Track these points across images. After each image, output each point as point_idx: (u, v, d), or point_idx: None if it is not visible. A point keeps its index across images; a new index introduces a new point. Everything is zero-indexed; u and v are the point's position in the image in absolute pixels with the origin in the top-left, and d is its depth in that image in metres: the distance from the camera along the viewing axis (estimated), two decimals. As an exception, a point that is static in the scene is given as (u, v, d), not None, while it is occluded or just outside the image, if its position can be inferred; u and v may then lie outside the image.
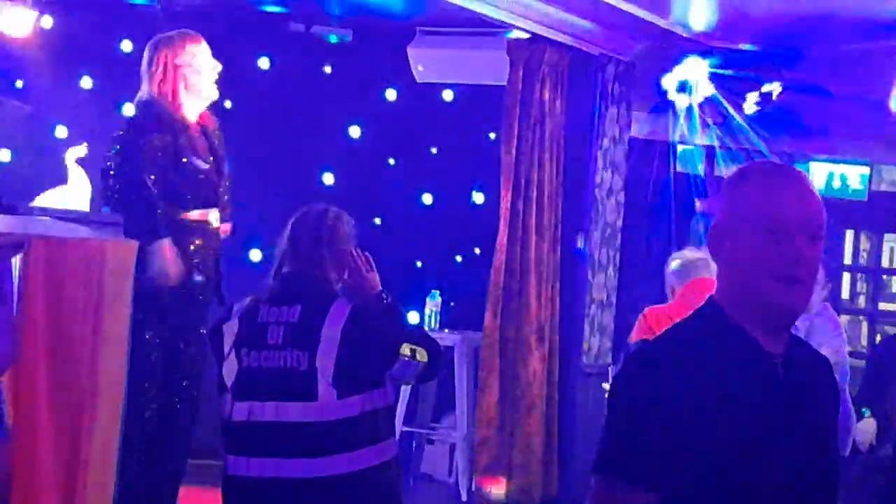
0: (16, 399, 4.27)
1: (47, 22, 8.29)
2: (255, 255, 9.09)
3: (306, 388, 4.63)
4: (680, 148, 9.20)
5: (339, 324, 4.64)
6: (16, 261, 4.23)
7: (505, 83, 8.48)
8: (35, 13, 8.19)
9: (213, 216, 6.31)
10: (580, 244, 8.61)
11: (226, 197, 6.46)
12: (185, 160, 6.11)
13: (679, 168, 9.06)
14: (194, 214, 6.19)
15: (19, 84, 8.44)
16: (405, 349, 4.71)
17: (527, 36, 8.39)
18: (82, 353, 4.46)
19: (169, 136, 6.09)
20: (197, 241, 6.14)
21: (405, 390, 8.46)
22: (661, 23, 8.42)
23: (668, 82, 8.79)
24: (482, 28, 8.43)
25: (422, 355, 4.74)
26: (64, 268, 4.34)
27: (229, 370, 4.76)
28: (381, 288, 4.92)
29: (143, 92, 6.20)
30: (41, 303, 4.28)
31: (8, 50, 8.14)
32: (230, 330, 4.79)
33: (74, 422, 4.48)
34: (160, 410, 6.01)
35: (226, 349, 4.78)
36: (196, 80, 6.24)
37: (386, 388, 4.81)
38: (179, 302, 6.01)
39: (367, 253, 4.96)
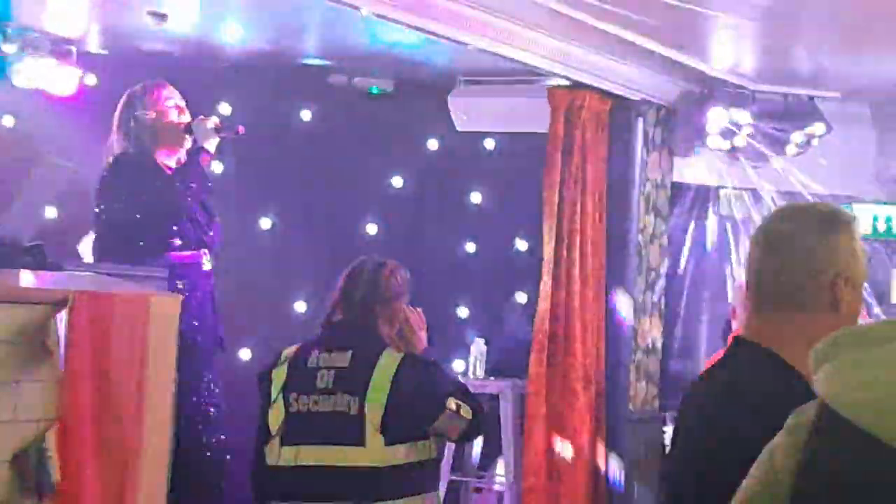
0: (62, 454, 4.28)
1: (91, 80, 8.36)
2: (300, 306, 9.11)
3: (355, 433, 4.66)
4: (722, 192, 9.18)
5: (390, 371, 4.68)
6: (61, 317, 4.25)
7: (546, 130, 8.49)
8: (79, 72, 8.27)
9: (205, 257, 6.36)
10: (620, 306, 8.56)
11: (212, 235, 6.48)
12: (169, 206, 6.17)
13: (723, 212, 9.03)
14: (186, 255, 6.24)
15: (64, 143, 8.51)
16: (451, 403, 4.73)
17: (568, 83, 8.41)
18: (128, 406, 4.47)
19: (148, 184, 6.17)
20: (182, 285, 6.15)
21: (452, 440, 8.43)
22: (703, 67, 8.43)
23: (710, 126, 8.78)
24: (523, 77, 8.45)
25: (466, 412, 4.75)
26: (108, 322, 4.36)
27: (276, 415, 4.78)
28: (427, 346, 4.96)
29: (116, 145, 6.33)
30: (86, 358, 4.30)
31: (52, 108, 8.22)
32: (278, 375, 4.82)
33: (121, 476, 4.49)
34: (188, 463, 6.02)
35: (273, 394, 4.81)
36: (160, 117, 6.32)
37: (432, 440, 4.81)
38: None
39: (419, 309, 4.99)
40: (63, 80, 8.17)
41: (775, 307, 2.77)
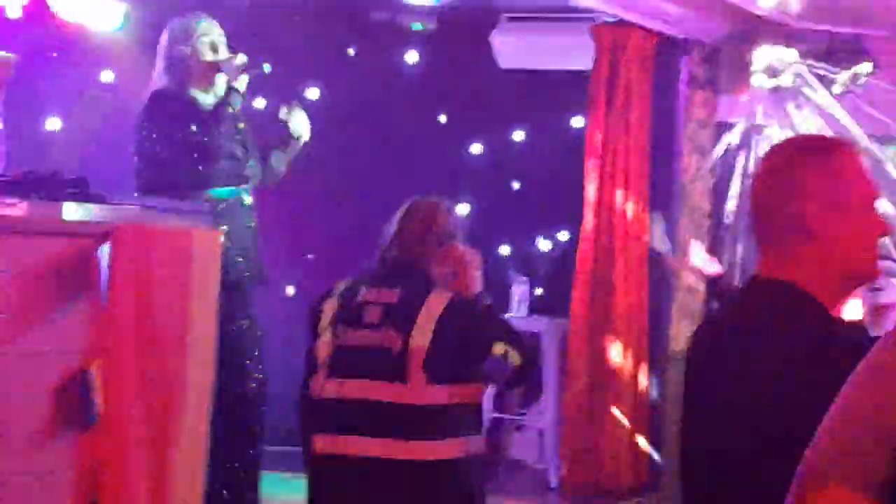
0: (106, 387, 4.31)
1: (133, 13, 8.35)
2: (344, 242, 9.10)
3: (397, 370, 4.67)
4: (767, 132, 9.09)
5: (437, 310, 4.68)
6: (104, 249, 4.27)
7: (590, 68, 8.44)
8: (123, 5, 8.26)
9: (245, 193, 6.37)
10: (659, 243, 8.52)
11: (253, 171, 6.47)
12: (207, 139, 6.17)
13: (765, 151, 8.96)
14: (224, 191, 6.24)
15: (109, 76, 8.53)
16: (498, 348, 4.72)
17: (612, 21, 8.34)
18: (171, 340, 4.49)
19: (186, 119, 6.17)
20: (224, 227, 6.16)
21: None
22: (749, 5, 8.33)
23: (755, 65, 8.69)
24: (567, 13, 8.39)
25: (514, 358, 4.73)
26: (151, 256, 4.37)
27: (323, 347, 4.81)
28: (481, 289, 4.95)
29: (157, 79, 6.33)
30: (129, 291, 4.32)
31: (96, 42, 8.22)
32: (329, 307, 4.85)
33: (164, 409, 4.52)
34: (230, 399, 6.04)
35: (322, 325, 4.84)
36: (193, 54, 6.31)
37: (476, 384, 4.82)
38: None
39: (475, 251, 4.99)
40: (106, 13, 8.16)
41: (761, 241, 2.80)
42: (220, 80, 6.33)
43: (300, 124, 6.50)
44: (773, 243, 2.78)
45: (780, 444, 2.49)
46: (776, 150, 2.89)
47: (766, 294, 2.79)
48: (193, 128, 6.17)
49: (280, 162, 6.78)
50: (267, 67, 6.70)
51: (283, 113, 6.48)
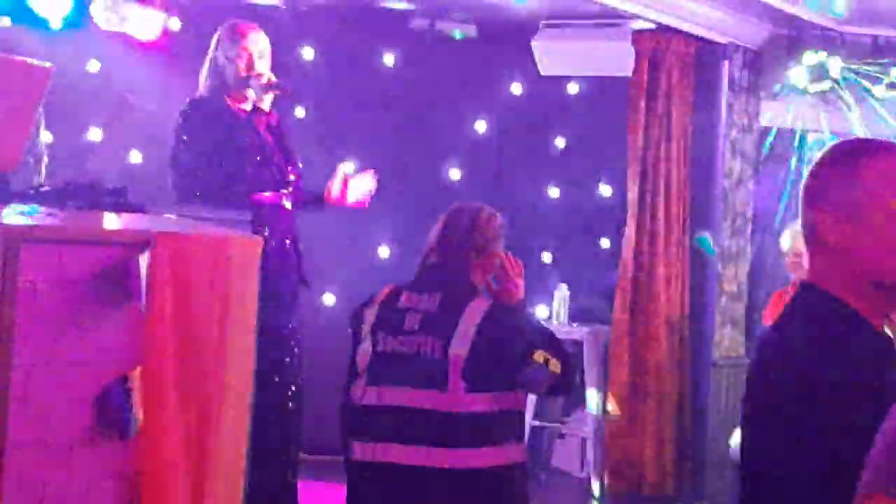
0: (145, 395, 4.30)
1: (175, 24, 8.39)
2: (384, 251, 9.12)
3: (437, 377, 4.64)
4: (810, 136, 9.04)
5: (477, 318, 4.65)
6: (143, 258, 4.26)
7: (630, 74, 8.41)
8: (164, 15, 8.29)
9: (286, 199, 6.36)
10: (706, 240, 8.50)
11: (292, 177, 6.45)
12: (241, 147, 6.17)
13: (810, 156, 8.90)
14: (265, 197, 6.24)
15: (149, 86, 8.55)
16: (539, 355, 4.68)
17: (653, 26, 8.31)
18: (210, 349, 4.48)
19: (222, 126, 6.18)
20: (269, 226, 6.16)
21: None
22: (790, 9, 8.29)
23: (798, 70, 8.65)
24: (607, 20, 8.36)
25: (555, 366, 4.70)
26: (190, 264, 4.36)
27: (364, 354, 4.80)
28: (524, 296, 4.93)
29: (201, 85, 6.36)
30: (168, 300, 4.31)
31: (137, 52, 8.26)
32: (370, 314, 4.84)
33: (204, 417, 4.50)
34: (268, 408, 6.03)
35: (363, 332, 4.82)
36: (231, 66, 6.32)
37: (517, 391, 4.78)
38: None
39: (517, 258, 4.97)
40: (147, 24, 8.20)
41: (812, 248, 2.77)
42: (250, 95, 6.33)
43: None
44: (808, 250, 2.77)
45: (806, 443, 2.51)
46: (819, 156, 2.85)
47: (800, 299, 2.78)
48: (227, 134, 6.18)
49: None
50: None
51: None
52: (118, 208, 4.57)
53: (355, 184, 6.77)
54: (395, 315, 4.80)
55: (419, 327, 4.74)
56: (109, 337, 4.27)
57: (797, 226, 7.09)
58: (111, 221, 4.49)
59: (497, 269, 4.92)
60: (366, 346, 4.82)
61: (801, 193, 2.77)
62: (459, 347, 4.64)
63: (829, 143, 2.90)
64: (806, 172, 2.79)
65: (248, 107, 6.36)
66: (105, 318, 4.26)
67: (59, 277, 4.09)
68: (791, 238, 7.24)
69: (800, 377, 2.57)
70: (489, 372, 4.66)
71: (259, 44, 6.43)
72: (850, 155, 2.73)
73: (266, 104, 6.34)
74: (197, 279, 4.43)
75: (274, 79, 6.34)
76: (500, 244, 4.95)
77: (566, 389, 5.02)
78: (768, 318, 7.38)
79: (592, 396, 8.65)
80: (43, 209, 4.33)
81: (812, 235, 2.73)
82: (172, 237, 4.38)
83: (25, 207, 4.29)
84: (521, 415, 4.93)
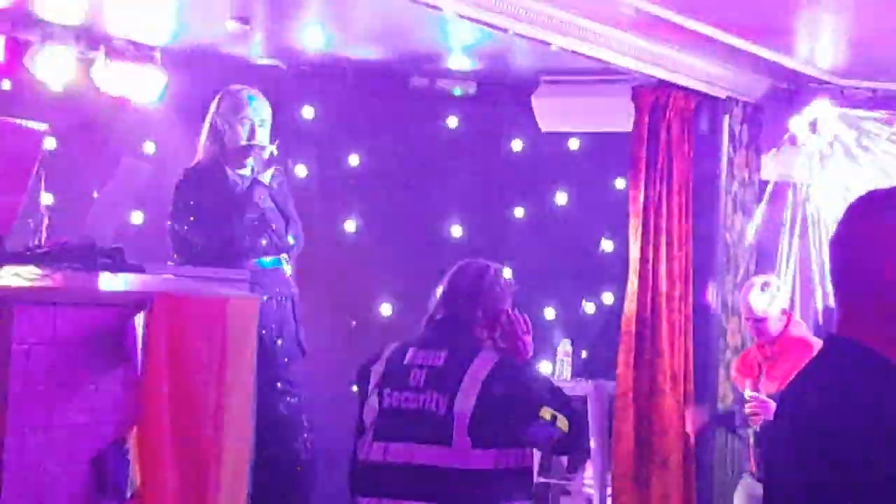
0: (141, 458, 4.29)
1: (175, 85, 8.41)
2: (386, 308, 9.10)
3: (442, 433, 4.63)
4: (813, 189, 9.03)
5: (483, 373, 4.64)
6: (139, 319, 4.26)
7: (630, 129, 8.41)
8: (164, 77, 8.32)
9: (285, 263, 6.35)
10: (712, 299, 8.49)
11: (292, 241, 6.44)
12: (239, 214, 6.16)
13: (811, 210, 8.88)
14: (264, 261, 6.23)
15: (150, 147, 8.57)
16: (545, 412, 4.66)
17: (652, 81, 8.32)
18: (206, 410, 4.47)
19: (219, 195, 6.16)
20: (264, 298, 6.14)
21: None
22: (790, 63, 8.30)
23: (798, 123, 8.65)
24: (606, 75, 8.37)
25: (563, 423, 4.68)
26: (186, 324, 4.36)
27: (370, 410, 4.79)
28: (532, 353, 4.92)
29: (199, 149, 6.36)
30: (164, 360, 4.30)
31: (136, 112, 8.28)
32: (376, 370, 4.83)
33: (201, 479, 4.49)
34: (273, 469, 6.01)
35: (369, 388, 4.82)
36: (231, 133, 6.30)
37: (523, 448, 4.75)
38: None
39: (525, 315, 4.96)
40: (147, 85, 8.23)
41: (842, 300, 2.71)
42: (249, 163, 6.33)
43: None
44: (837, 301, 2.72)
45: (840, 495, 2.48)
46: (855, 205, 2.80)
47: (833, 353, 2.73)
48: (223, 202, 6.17)
49: None
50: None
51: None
52: (115, 269, 4.57)
53: None
54: (400, 371, 4.80)
55: (424, 383, 4.73)
56: (105, 398, 4.27)
57: (758, 286, 7.11)
58: (106, 282, 4.48)
59: (504, 327, 4.90)
60: (372, 402, 4.81)
61: (830, 245, 2.73)
62: (464, 403, 4.63)
63: (860, 194, 2.86)
64: (845, 223, 2.74)
65: (247, 173, 6.35)
66: (101, 379, 4.26)
67: (54, 339, 4.09)
68: (755, 300, 7.12)
69: (850, 428, 2.52)
70: (495, 428, 4.64)
71: (261, 111, 6.42)
72: (880, 204, 2.71)
73: (266, 178, 6.32)
74: (194, 339, 4.43)
75: (276, 152, 6.33)
76: (507, 301, 4.94)
77: (574, 448, 5.00)
78: (740, 380, 7.31)
79: (597, 453, 8.60)
80: (38, 270, 4.33)
81: (844, 286, 2.69)
82: (169, 298, 4.38)
83: (20, 268, 4.28)
84: (529, 472, 4.90)
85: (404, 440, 4.71)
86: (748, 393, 6.91)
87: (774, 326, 7.07)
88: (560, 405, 4.72)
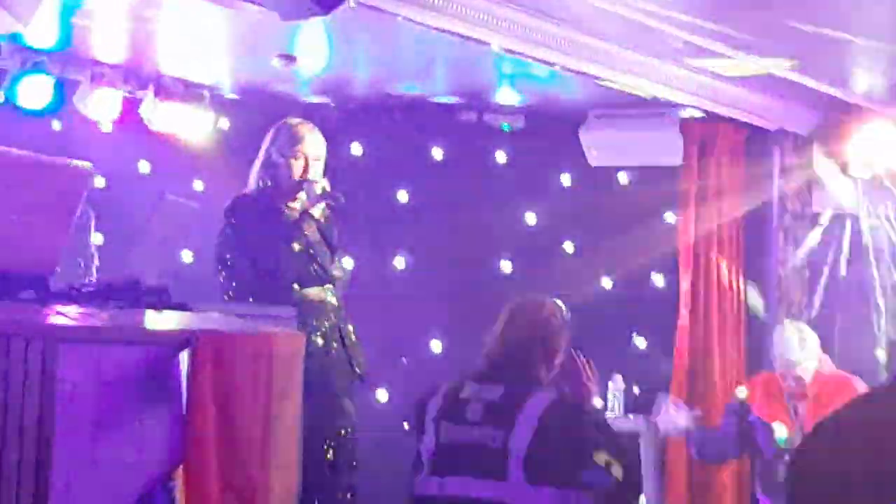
0: (187, 496, 4.26)
1: (224, 123, 8.45)
2: (436, 345, 9.07)
3: (497, 467, 4.62)
4: (866, 221, 8.93)
5: (539, 410, 4.62)
6: (183, 356, 4.24)
7: (680, 163, 8.36)
8: (213, 115, 8.36)
9: (331, 294, 6.32)
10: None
11: (338, 274, 6.42)
12: (287, 244, 6.15)
13: (866, 242, 8.79)
14: (312, 293, 6.21)
15: (199, 185, 8.60)
16: (599, 457, 4.63)
17: (701, 114, 8.27)
18: (253, 448, 4.44)
19: (267, 225, 6.17)
20: (314, 322, 6.12)
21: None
22: (841, 94, 8.23)
23: (851, 154, 8.58)
24: (655, 109, 8.33)
25: (616, 471, 4.64)
26: (231, 362, 4.33)
27: (427, 444, 4.78)
28: (593, 396, 4.90)
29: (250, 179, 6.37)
30: (210, 398, 4.28)
31: (185, 150, 8.32)
32: (434, 404, 4.82)
33: (247, 518, 4.46)
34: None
35: (426, 422, 4.81)
36: (286, 166, 6.30)
37: (579, 491, 4.70)
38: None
39: (590, 360, 4.93)
40: (196, 124, 8.27)
41: None
42: (302, 197, 6.31)
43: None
44: None
45: None
46: None
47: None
48: (270, 234, 6.17)
49: None
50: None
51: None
52: (160, 306, 4.56)
53: None
54: (457, 405, 4.80)
55: (481, 417, 4.72)
56: (151, 437, 4.24)
57: (795, 340, 6.99)
58: (151, 320, 4.47)
59: (568, 368, 4.89)
60: (429, 437, 4.81)
61: None
62: (520, 439, 4.61)
63: None
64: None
65: (297, 205, 6.34)
66: (146, 417, 4.23)
67: (98, 378, 4.07)
68: (790, 352, 7.00)
69: None
70: (550, 466, 4.62)
71: (317, 146, 6.41)
72: None
73: (317, 212, 6.31)
74: (239, 377, 4.40)
75: (328, 188, 6.32)
76: (564, 337, 4.93)
77: (623, 499, 4.93)
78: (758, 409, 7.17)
79: (650, 490, 8.50)
80: (82, 309, 4.32)
81: None
82: (213, 335, 4.36)
83: (64, 307, 4.28)
84: None
85: (460, 474, 4.72)
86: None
87: (810, 374, 7.01)
88: (615, 452, 4.70)
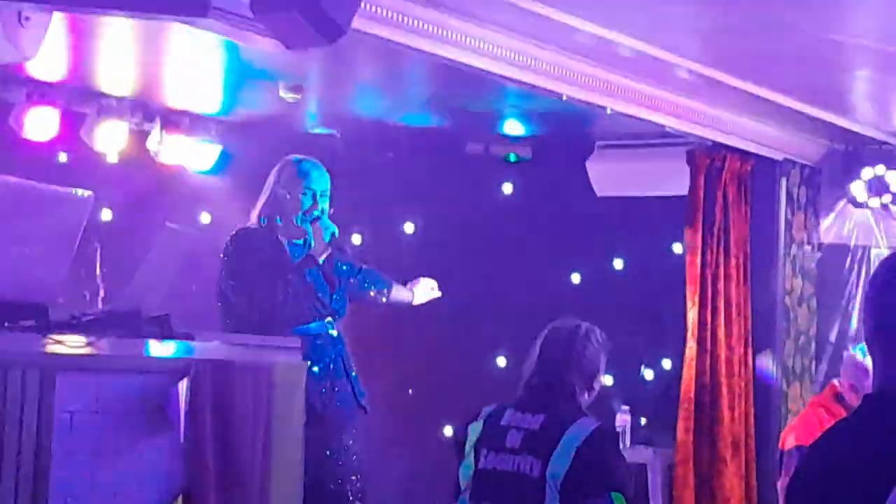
0: (187, 526, 4.25)
1: (229, 153, 8.46)
2: (445, 372, 9.06)
3: (534, 496, 4.59)
4: (874, 251, 8.92)
5: (579, 439, 4.60)
6: (183, 385, 4.24)
7: (686, 193, 8.35)
8: (219, 147, 8.37)
9: (331, 326, 6.31)
10: (768, 365, 8.39)
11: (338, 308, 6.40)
12: (286, 281, 6.14)
13: (870, 271, 8.78)
14: (311, 328, 6.20)
15: (206, 217, 8.60)
16: (618, 499, 4.62)
17: (708, 144, 8.26)
18: (252, 476, 4.43)
19: (266, 254, 6.15)
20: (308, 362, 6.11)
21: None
22: (847, 125, 8.23)
23: (858, 185, 8.57)
24: (661, 139, 8.33)
25: None
26: (231, 390, 4.33)
27: (466, 471, 4.76)
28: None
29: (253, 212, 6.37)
30: (209, 427, 4.27)
31: (192, 182, 8.33)
32: (474, 430, 4.81)
33: (248, 547, 4.44)
34: None
35: (466, 449, 4.80)
36: (293, 202, 6.29)
37: None
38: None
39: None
40: (202, 155, 8.29)
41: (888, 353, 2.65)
42: (307, 237, 6.29)
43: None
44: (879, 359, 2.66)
45: None
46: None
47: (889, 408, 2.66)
48: (270, 269, 6.15)
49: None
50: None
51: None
52: (161, 336, 4.55)
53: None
54: (498, 432, 4.78)
55: (521, 445, 4.70)
56: (150, 466, 4.24)
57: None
58: (151, 349, 4.47)
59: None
60: (468, 463, 4.80)
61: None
62: (558, 467, 4.59)
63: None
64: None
65: (300, 242, 6.32)
66: (145, 446, 4.23)
67: (97, 406, 4.07)
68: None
69: None
70: (581, 492, 4.59)
71: (322, 182, 6.41)
72: None
73: (321, 257, 6.30)
74: (239, 406, 4.40)
75: (337, 234, 6.31)
76: (601, 360, 4.92)
77: None
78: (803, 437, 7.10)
79: (659, 522, 8.48)
80: (83, 338, 4.31)
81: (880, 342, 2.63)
82: (213, 364, 4.36)
83: (64, 336, 4.27)
84: None
85: (499, 501, 4.68)
86: None
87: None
88: (630, 498, 4.69)
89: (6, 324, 4.22)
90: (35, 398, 3.94)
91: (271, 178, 6.45)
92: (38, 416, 3.93)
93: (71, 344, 4.19)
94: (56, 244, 4.36)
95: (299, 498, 4.70)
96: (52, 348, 4.13)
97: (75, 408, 4.00)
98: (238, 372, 4.42)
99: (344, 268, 6.49)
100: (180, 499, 4.26)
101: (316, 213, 6.30)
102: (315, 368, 6.03)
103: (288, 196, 6.32)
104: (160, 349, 4.49)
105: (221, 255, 6.27)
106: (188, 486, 4.24)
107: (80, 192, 4.45)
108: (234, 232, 6.38)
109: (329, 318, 6.30)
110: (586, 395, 4.87)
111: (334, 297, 6.34)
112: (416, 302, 6.97)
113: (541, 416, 4.73)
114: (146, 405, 4.18)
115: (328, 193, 6.43)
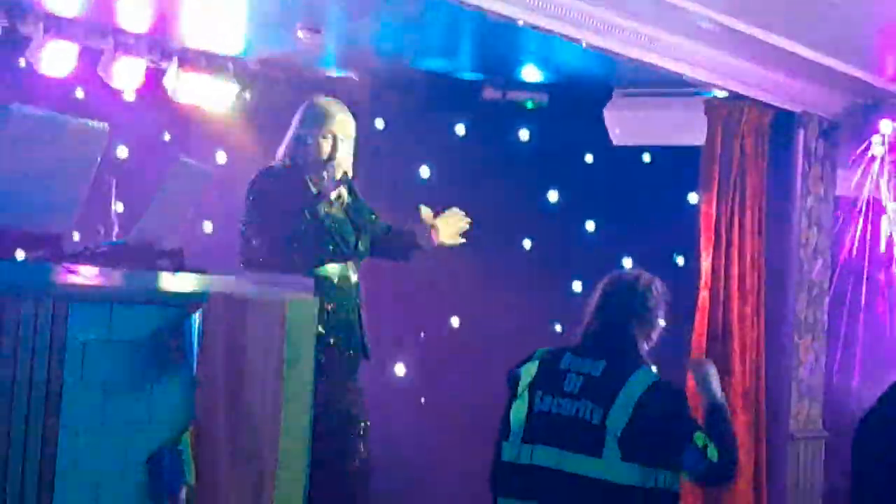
0: (197, 458, 4.27)
1: (247, 94, 8.44)
2: (455, 321, 9.07)
3: (593, 443, 4.60)
4: (890, 206, 8.89)
5: (641, 388, 4.59)
6: (196, 318, 4.24)
7: (703, 143, 8.30)
8: (237, 86, 8.35)
9: (352, 271, 6.28)
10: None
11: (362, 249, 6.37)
12: (310, 215, 6.10)
13: (892, 226, 8.75)
14: (331, 269, 6.17)
15: (222, 157, 8.60)
16: (699, 438, 4.61)
17: (726, 94, 8.22)
18: (263, 410, 4.44)
19: (288, 193, 6.12)
20: (331, 306, 6.09)
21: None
22: (868, 78, 8.18)
23: (877, 139, 8.52)
24: (679, 89, 8.28)
25: (713, 454, 4.62)
26: (243, 325, 4.34)
27: (518, 411, 4.75)
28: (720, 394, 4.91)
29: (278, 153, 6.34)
30: (221, 360, 4.28)
31: (208, 122, 8.31)
32: (528, 371, 4.80)
33: (256, 482, 4.46)
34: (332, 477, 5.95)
35: (519, 390, 4.79)
36: (314, 145, 6.25)
37: (673, 473, 4.67)
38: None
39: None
40: (219, 95, 8.26)
41: None
42: (326, 176, 6.25)
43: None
44: None
45: None
46: None
47: None
48: (293, 208, 6.11)
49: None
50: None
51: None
52: (174, 269, 4.56)
53: (445, 222, 6.70)
54: (555, 375, 4.78)
55: (580, 391, 4.69)
56: (160, 398, 4.25)
57: None
58: (164, 281, 4.48)
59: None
60: (521, 403, 4.78)
61: None
62: (618, 417, 4.58)
63: None
64: None
65: (321, 184, 6.30)
66: (156, 378, 4.24)
67: (110, 337, 4.08)
68: None
69: None
70: (645, 445, 4.58)
71: (346, 126, 6.36)
72: None
73: (333, 196, 6.26)
74: (251, 340, 4.41)
75: (350, 173, 6.28)
76: (662, 310, 4.92)
77: (717, 482, 4.93)
78: None
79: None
80: (95, 269, 4.32)
81: None
82: (226, 298, 4.36)
83: (78, 267, 4.28)
84: (676, 497, 4.77)
85: (552, 444, 4.69)
86: None
87: None
88: (714, 434, 4.68)
89: (20, 253, 4.24)
90: (47, 328, 3.95)
91: (296, 119, 6.42)
92: (51, 345, 3.94)
93: (84, 274, 4.20)
94: (72, 174, 4.37)
95: (310, 431, 4.71)
96: (65, 278, 4.14)
97: (87, 338, 4.01)
98: (251, 307, 4.42)
99: (373, 217, 6.48)
100: (190, 430, 4.27)
101: (337, 156, 6.27)
102: (330, 307, 6.04)
103: (310, 138, 6.30)
104: (174, 282, 4.50)
105: (246, 195, 6.23)
106: (199, 417, 4.26)
107: (96, 123, 4.45)
108: (258, 170, 6.36)
109: (351, 262, 6.28)
110: (646, 345, 4.88)
111: (356, 241, 6.31)
112: (441, 242, 6.80)
113: (601, 363, 4.73)
114: (159, 337, 4.19)
115: (352, 138, 6.38)
